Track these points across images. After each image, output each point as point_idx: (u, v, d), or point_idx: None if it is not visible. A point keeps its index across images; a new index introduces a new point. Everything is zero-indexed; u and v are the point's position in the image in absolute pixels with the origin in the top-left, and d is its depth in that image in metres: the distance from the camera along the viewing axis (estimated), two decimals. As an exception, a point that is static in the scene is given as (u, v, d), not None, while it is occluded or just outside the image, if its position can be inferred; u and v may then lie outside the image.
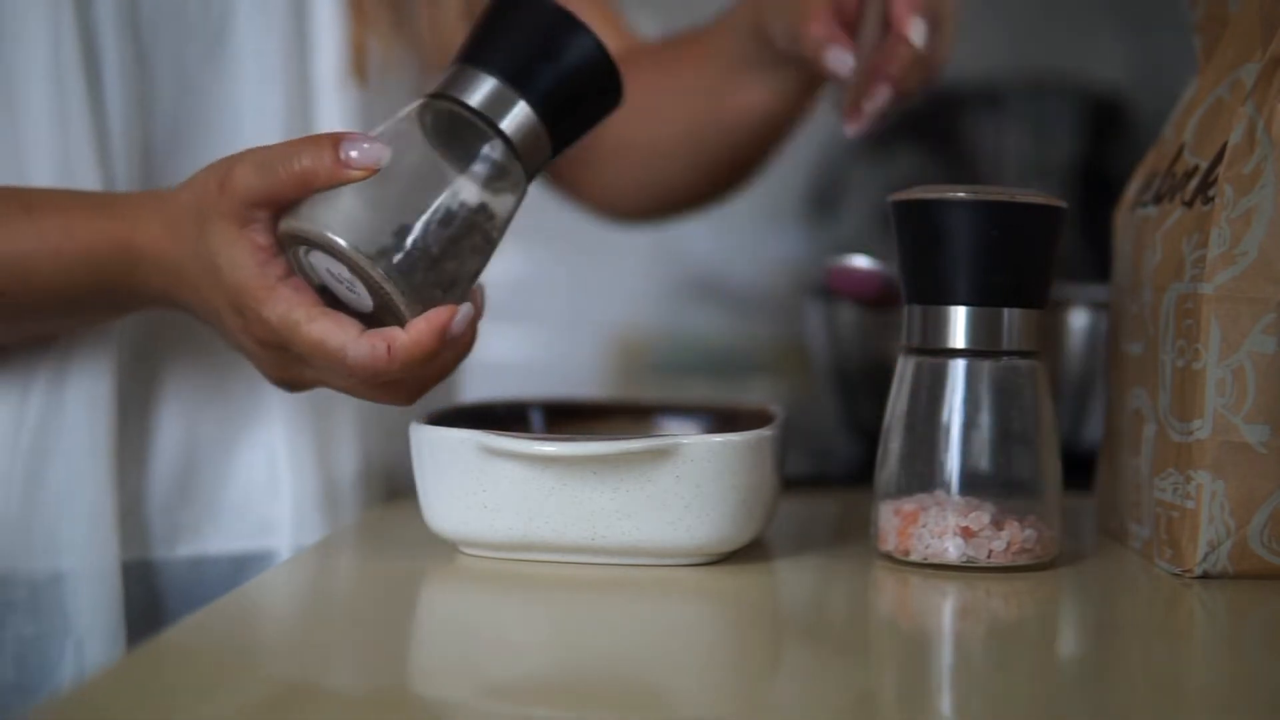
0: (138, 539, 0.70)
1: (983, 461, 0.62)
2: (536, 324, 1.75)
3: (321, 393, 0.68)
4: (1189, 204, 0.62)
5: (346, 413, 0.75)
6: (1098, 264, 0.83)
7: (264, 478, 0.73)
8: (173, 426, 0.71)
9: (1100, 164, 1.75)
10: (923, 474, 0.63)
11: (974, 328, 0.62)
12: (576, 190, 0.94)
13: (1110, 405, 0.70)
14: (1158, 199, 0.66)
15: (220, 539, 0.72)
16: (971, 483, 0.62)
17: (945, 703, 0.47)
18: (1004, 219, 0.61)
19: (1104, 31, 1.90)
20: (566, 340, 1.77)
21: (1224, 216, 0.59)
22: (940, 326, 0.62)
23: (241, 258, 0.58)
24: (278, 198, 0.57)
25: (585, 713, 0.46)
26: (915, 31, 0.71)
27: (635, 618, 0.56)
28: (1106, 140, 1.77)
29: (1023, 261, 0.62)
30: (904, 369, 0.64)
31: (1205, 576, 0.60)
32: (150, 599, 0.71)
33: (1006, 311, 0.62)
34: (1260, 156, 0.59)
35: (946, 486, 0.62)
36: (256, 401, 0.73)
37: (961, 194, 0.61)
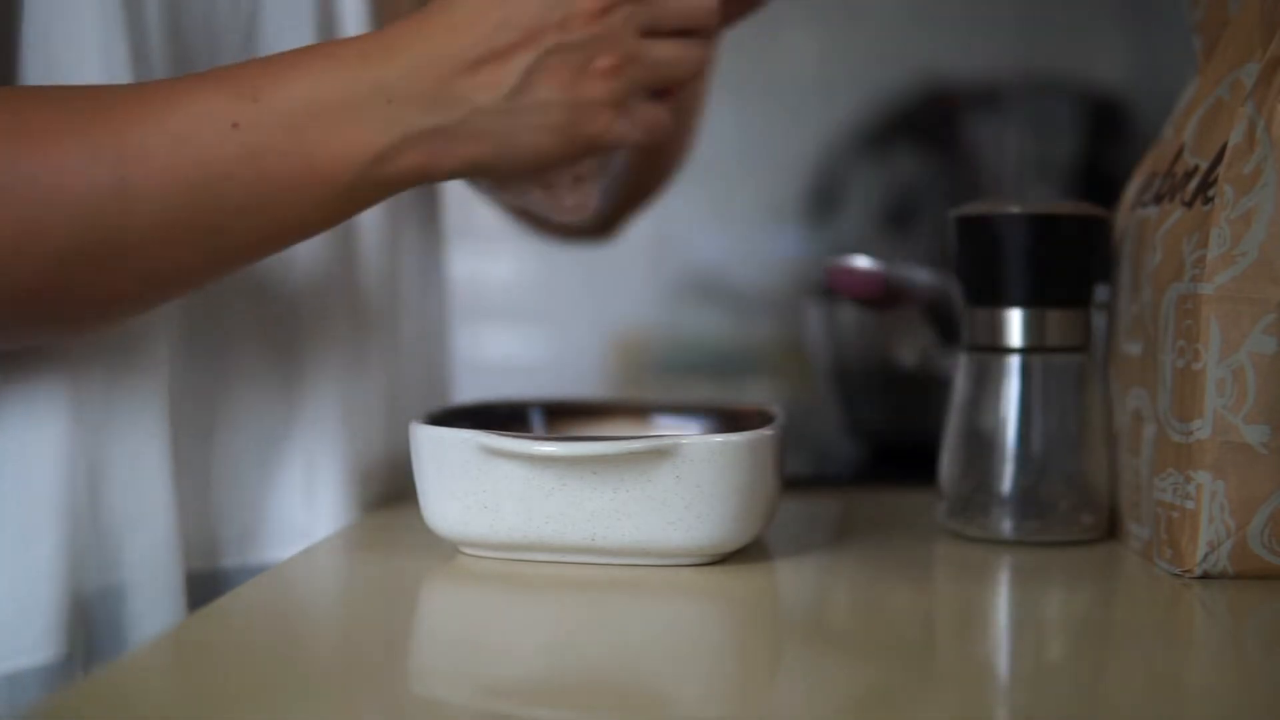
0: (202, 549, 0.69)
1: (1036, 446, 0.69)
2: (536, 324, 1.75)
3: (351, 397, 0.70)
4: (1189, 204, 0.62)
5: (377, 417, 0.76)
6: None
7: (302, 485, 0.72)
8: (223, 436, 0.70)
9: (1100, 164, 1.75)
10: (982, 459, 0.69)
11: (1026, 327, 0.69)
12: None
13: (1110, 405, 0.70)
14: (1158, 199, 0.66)
15: (264, 549, 0.71)
16: (1025, 467, 0.68)
17: (946, 703, 0.47)
18: (1051, 229, 0.68)
19: (1104, 31, 1.90)
20: (566, 340, 1.77)
21: (1224, 217, 0.59)
22: (997, 326, 0.69)
23: None
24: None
25: (585, 713, 0.46)
26: None
27: (635, 618, 0.56)
28: (1106, 140, 1.77)
29: (1068, 266, 0.69)
30: (965, 366, 0.71)
31: (1205, 577, 0.60)
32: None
33: (1055, 312, 0.69)
34: (1260, 157, 0.59)
35: (1001, 471, 0.69)
36: (292, 410, 0.72)
37: (1015, 209, 0.68)
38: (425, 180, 0.62)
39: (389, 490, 0.79)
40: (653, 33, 0.63)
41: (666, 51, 0.63)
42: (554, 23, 0.60)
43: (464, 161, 0.61)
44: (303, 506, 0.72)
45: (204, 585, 0.68)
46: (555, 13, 0.60)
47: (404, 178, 0.61)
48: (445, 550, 0.64)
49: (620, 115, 0.63)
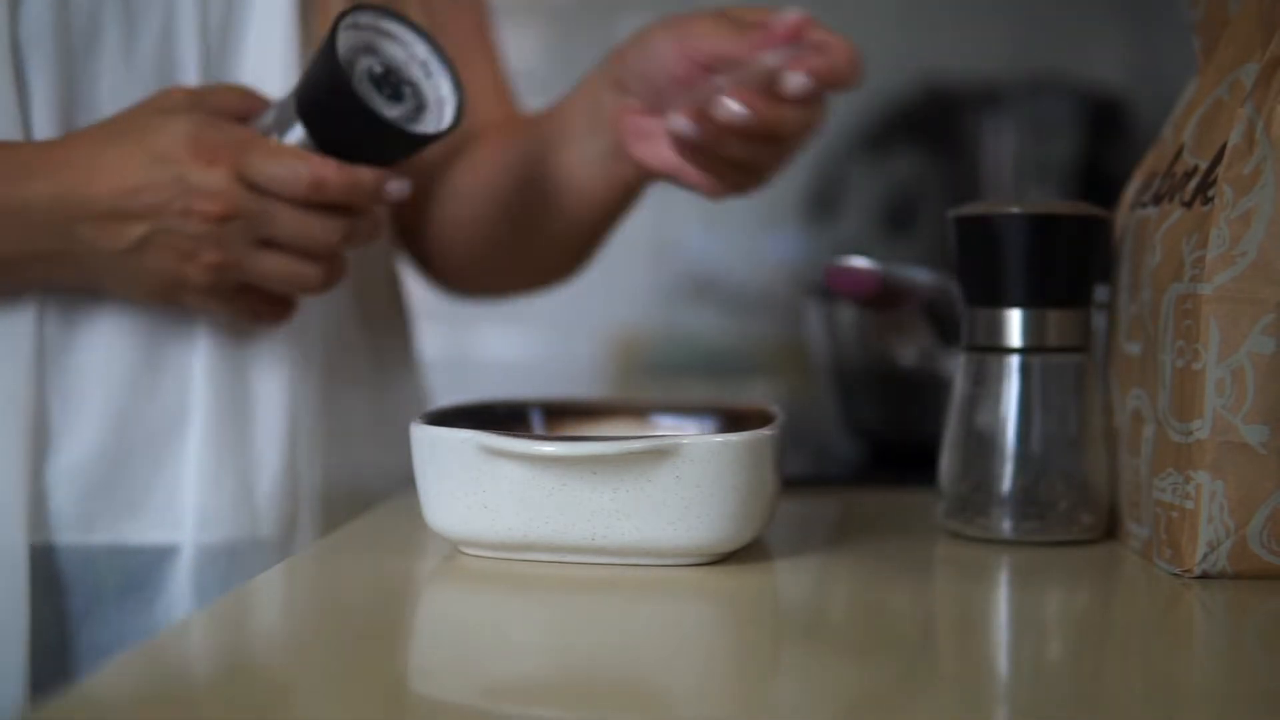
0: (46, 523, 0.71)
1: (1035, 446, 0.69)
2: (536, 324, 1.75)
3: (246, 389, 0.74)
4: (1188, 204, 0.62)
5: (270, 421, 0.76)
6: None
7: (176, 473, 0.74)
8: (93, 415, 0.72)
9: (1100, 164, 1.75)
10: (981, 459, 0.69)
11: (1026, 327, 0.69)
12: (416, 240, 0.94)
13: (1110, 405, 0.70)
14: (1157, 199, 0.66)
15: (127, 530, 0.73)
16: (1024, 466, 0.68)
17: (946, 703, 0.47)
18: (1051, 229, 0.68)
19: (1104, 31, 1.90)
20: (566, 340, 1.77)
21: (1223, 217, 0.59)
22: (997, 326, 0.69)
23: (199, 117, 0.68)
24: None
25: (585, 713, 0.46)
26: (794, 82, 0.69)
27: (635, 618, 0.56)
28: (1106, 140, 1.77)
29: (1067, 266, 0.69)
30: (965, 366, 0.71)
31: (1205, 576, 0.60)
32: (50, 584, 0.72)
33: (1055, 312, 0.68)
34: (1260, 157, 0.59)
35: (1001, 471, 0.69)
36: (181, 397, 0.74)
37: (1015, 209, 0.68)
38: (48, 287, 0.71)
39: (358, 503, 0.79)
40: (269, 245, 0.70)
41: (273, 265, 0.70)
42: (176, 210, 0.67)
43: (80, 283, 0.71)
44: (175, 494, 0.74)
45: (43, 558, 0.71)
46: (179, 202, 0.67)
47: (28, 285, 0.71)
48: (445, 550, 0.64)
49: (211, 298, 0.71)
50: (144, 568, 0.73)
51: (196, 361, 0.74)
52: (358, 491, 0.81)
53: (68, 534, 0.72)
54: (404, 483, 0.85)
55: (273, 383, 0.76)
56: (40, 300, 0.71)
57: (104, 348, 0.72)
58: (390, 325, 0.91)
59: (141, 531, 0.73)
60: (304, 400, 0.78)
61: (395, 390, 0.90)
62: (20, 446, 0.70)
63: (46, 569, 0.71)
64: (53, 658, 0.71)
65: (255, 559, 0.74)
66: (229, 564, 0.74)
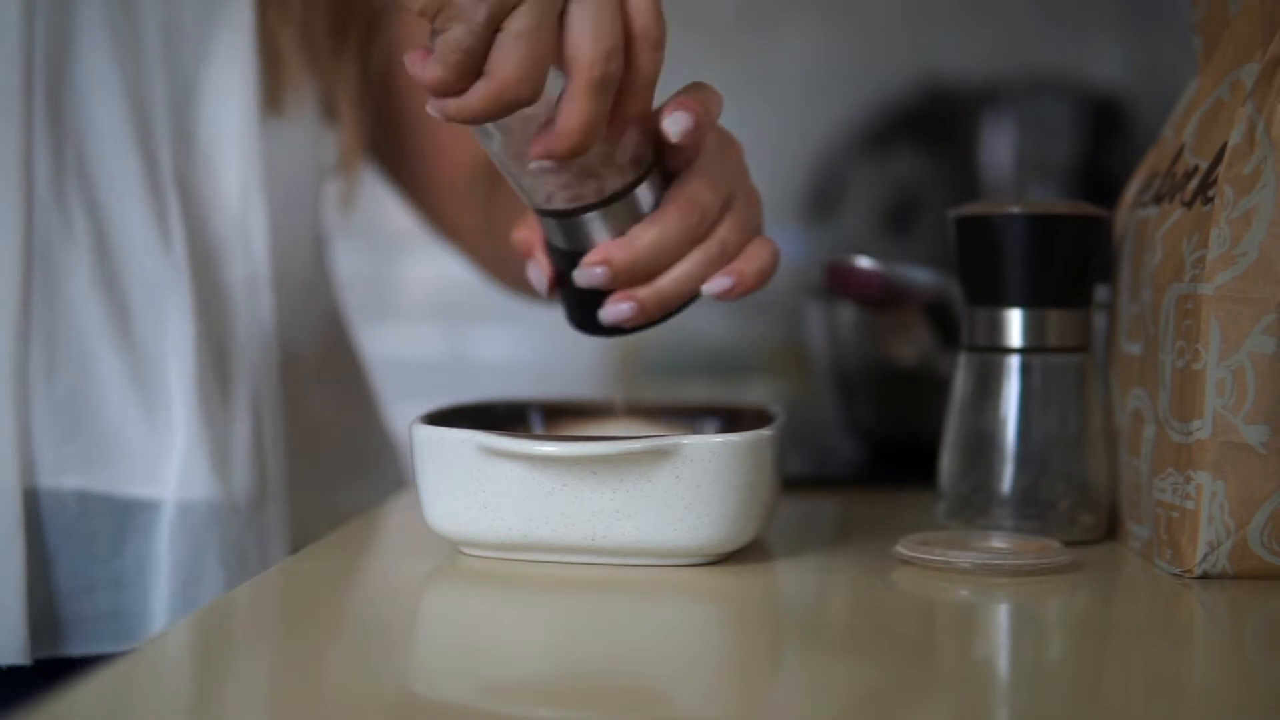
0: (26, 465, 0.71)
1: (1035, 446, 0.69)
2: (536, 324, 1.75)
3: (219, 353, 0.76)
4: (1189, 204, 0.62)
5: (241, 385, 0.77)
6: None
7: (158, 426, 0.74)
8: (72, 354, 0.72)
9: (1100, 164, 1.75)
10: (981, 460, 0.69)
11: (1026, 327, 0.69)
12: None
13: (1110, 405, 0.70)
14: (1158, 199, 0.66)
15: (107, 479, 0.73)
16: (1024, 466, 0.68)
17: (946, 703, 0.47)
18: (1051, 229, 0.68)
19: (1104, 31, 1.90)
20: (566, 340, 1.77)
21: (1224, 217, 0.59)
22: (997, 326, 0.69)
23: None
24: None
25: (585, 713, 0.46)
26: (674, 122, 0.61)
27: (635, 618, 0.56)
28: (1106, 140, 1.77)
29: (1068, 266, 0.69)
30: (965, 366, 0.71)
31: (1205, 577, 0.60)
32: (33, 528, 0.72)
33: (1055, 312, 0.68)
34: (1260, 157, 0.59)
35: (1001, 471, 0.69)
36: (160, 346, 0.74)
37: (1015, 209, 0.68)
38: None
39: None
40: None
41: (457, 34, 0.57)
42: None
43: None
44: (156, 448, 0.73)
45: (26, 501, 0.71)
46: None
47: None
48: (445, 550, 0.64)
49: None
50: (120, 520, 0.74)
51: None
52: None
53: (44, 478, 0.72)
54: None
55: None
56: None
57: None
58: (334, 327, 0.93)
59: (115, 484, 0.73)
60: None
61: (343, 384, 0.93)
62: (8, 386, 0.70)
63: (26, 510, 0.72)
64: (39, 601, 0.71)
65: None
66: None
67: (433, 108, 0.58)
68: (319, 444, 0.87)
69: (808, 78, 1.90)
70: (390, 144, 0.94)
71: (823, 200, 1.87)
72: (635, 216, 0.62)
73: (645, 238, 0.61)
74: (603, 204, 0.61)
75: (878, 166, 1.83)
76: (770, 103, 1.88)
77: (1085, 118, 1.78)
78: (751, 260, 0.63)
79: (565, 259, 0.63)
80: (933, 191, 1.79)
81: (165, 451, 0.74)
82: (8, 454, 0.69)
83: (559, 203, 0.62)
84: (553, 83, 0.58)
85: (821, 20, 1.93)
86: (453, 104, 0.57)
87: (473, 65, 0.56)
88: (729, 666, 0.52)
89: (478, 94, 0.56)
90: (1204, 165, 0.62)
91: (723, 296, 0.63)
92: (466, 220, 0.94)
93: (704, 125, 0.61)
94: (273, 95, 0.80)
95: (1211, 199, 0.60)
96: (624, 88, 0.59)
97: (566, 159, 0.58)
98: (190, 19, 0.76)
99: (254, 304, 0.79)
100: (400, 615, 0.58)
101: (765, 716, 0.46)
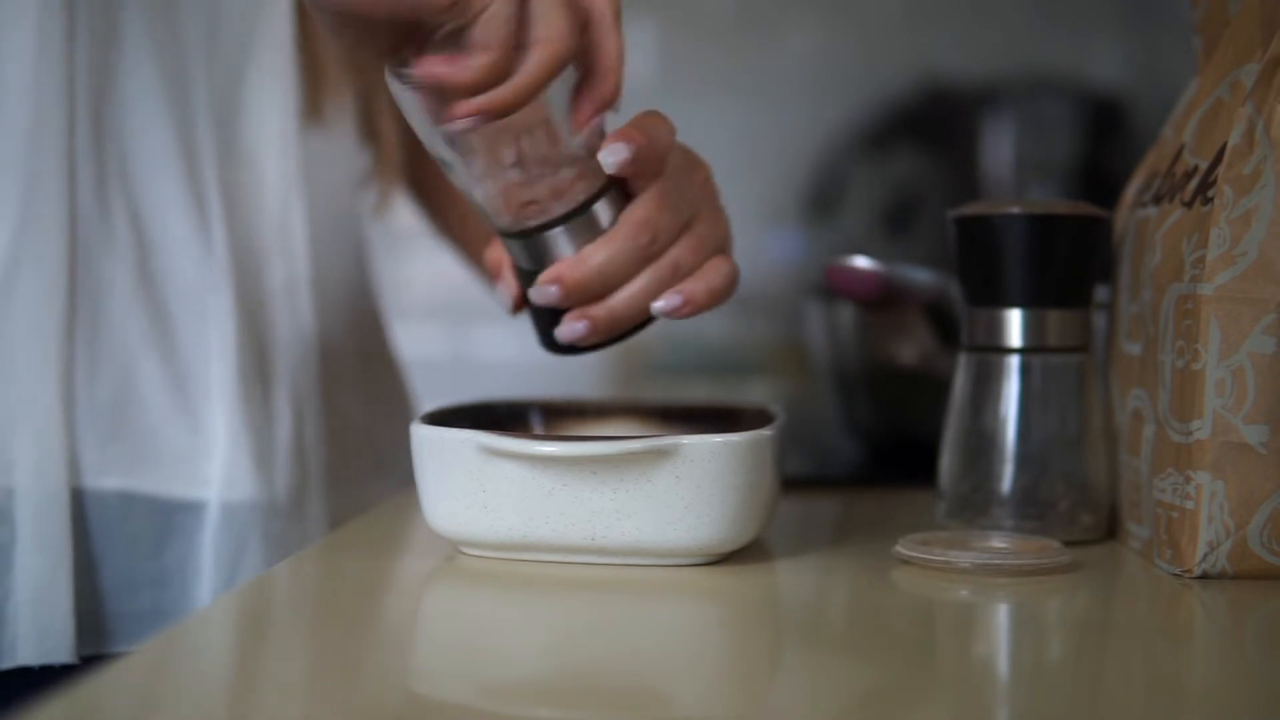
0: (71, 466, 0.72)
1: (1035, 446, 0.69)
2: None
3: (260, 355, 0.76)
4: (1189, 204, 0.62)
5: (282, 387, 0.78)
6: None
7: (200, 428, 0.75)
8: (115, 357, 0.73)
9: (1100, 164, 1.76)
10: (981, 460, 0.69)
11: (1026, 327, 0.69)
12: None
13: (1110, 405, 0.70)
14: (1157, 199, 0.66)
15: (150, 480, 0.74)
16: (1024, 466, 0.68)
17: (946, 703, 0.47)
18: (1051, 229, 0.68)
19: (1104, 31, 1.90)
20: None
21: (1224, 217, 0.59)
22: (997, 326, 0.69)
23: None
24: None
25: (585, 713, 0.46)
26: (610, 153, 0.61)
27: (635, 618, 0.56)
28: (1106, 140, 1.77)
29: (1068, 266, 0.69)
30: (965, 366, 0.71)
31: (1205, 577, 0.60)
32: (78, 527, 0.72)
33: (1055, 312, 0.68)
34: (1260, 157, 0.59)
35: (1001, 471, 0.69)
36: (202, 349, 0.75)
37: (1015, 209, 0.68)
38: None
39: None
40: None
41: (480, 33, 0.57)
42: None
43: None
44: (198, 450, 0.74)
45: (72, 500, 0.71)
46: None
47: None
48: (445, 550, 0.64)
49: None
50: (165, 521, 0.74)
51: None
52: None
53: (88, 479, 0.73)
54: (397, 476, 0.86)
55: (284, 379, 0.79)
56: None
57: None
58: (373, 329, 0.94)
59: (159, 484, 0.74)
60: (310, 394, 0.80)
61: (380, 385, 0.93)
62: (54, 387, 0.70)
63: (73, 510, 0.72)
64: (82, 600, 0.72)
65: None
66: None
67: (467, 112, 0.56)
68: (359, 445, 0.88)
69: (808, 78, 1.90)
70: (420, 165, 0.94)
71: (823, 200, 1.87)
72: (594, 236, 0.63)
73: (596, 257, 0.62)
74: (560, 221, 0.62)
75: (878, 166, 1.83)
76: (770, 103, 1.88)
77: (1085, 118, 1.78)
78: (703, 279, 0.64)
79: (527, 279, 0.65)
80: (932, 191, 1.79)
81: (207, 452, 0.75)
82: (54, 455, 0.70)
83: (523, 222, 0.63)
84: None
85: (821, 20, 1.93)
86: (506, 88, 0.56)
87: (518, 39, 0.56)
88: (729, 666, 0.52)
89: (534, 63, 0.56)
90: (1204, 165, 0.62)
91: (672, 314, 0.63)
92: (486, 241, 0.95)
93: (644, 156, 0.61)
94: (313, 104, 0.81)
95: (1211, 199, 0.60)
96: (589, 70, 0.59)
97: (619, 96, 0.59)
98: (231, 30, 0.76)
99: (294, 307, 0.80)
100: (400, 615, 0.58)
101: (765, 716, 0.46)
